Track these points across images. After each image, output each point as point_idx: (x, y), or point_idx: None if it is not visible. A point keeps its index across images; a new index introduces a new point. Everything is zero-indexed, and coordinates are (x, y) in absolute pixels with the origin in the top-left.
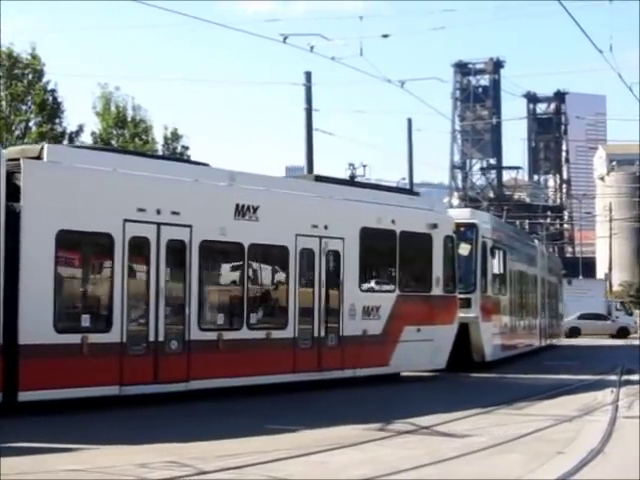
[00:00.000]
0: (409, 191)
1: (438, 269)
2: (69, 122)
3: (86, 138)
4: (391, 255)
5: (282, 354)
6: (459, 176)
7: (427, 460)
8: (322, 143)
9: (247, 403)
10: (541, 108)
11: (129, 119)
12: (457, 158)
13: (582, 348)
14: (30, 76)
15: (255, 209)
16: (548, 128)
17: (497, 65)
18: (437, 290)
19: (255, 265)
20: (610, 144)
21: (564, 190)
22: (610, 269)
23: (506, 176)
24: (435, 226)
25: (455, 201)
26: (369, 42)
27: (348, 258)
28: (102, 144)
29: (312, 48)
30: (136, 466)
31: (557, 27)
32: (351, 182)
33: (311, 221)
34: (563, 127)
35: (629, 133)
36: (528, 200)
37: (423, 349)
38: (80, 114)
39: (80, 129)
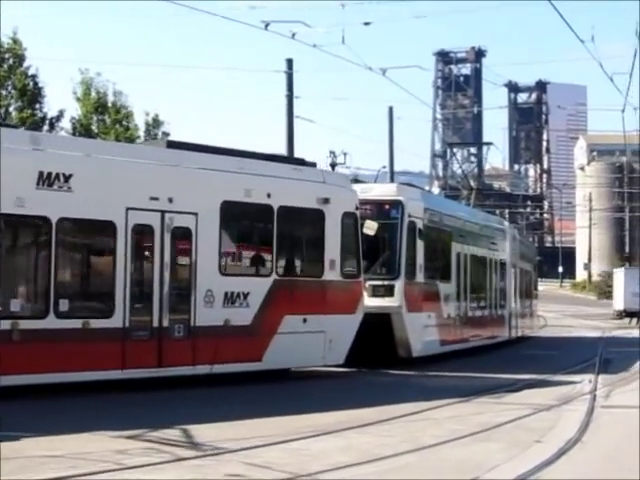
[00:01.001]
0: (296, 160)
1: (333, 250)
2: (50, 107)
3: (67, 124)
4: (266, 234)
5: (106, 347)
6: (440, 165)
7: (408, 447)
8: (303, 130)
9: (225, 390)
10: (522, 98)
11: (110, 105)
12: (438, 147)
13: (560, 340)
14: (11, 61)
15: (67, 178)
16: (529, 118)
17: (479, 54)
18: (332, 274)
19: (67, 243)
20: (591, 134)
21: (544, 180)
22: (589, 259)
23: (486, 166)
24: (327, 201)
25: (435, 190)
26: (351, 30)
27: (204, 236)
28: (82, 130)
29: (294, 35)
30: (114, 452)
31: (539, 17)
32: (213, 149)
33: (149, 193)
34: (544, 117)
35: (610, 123)
36: (508, 189)
37: (311, 342)
38: (61, 99)
39: (61, 114)
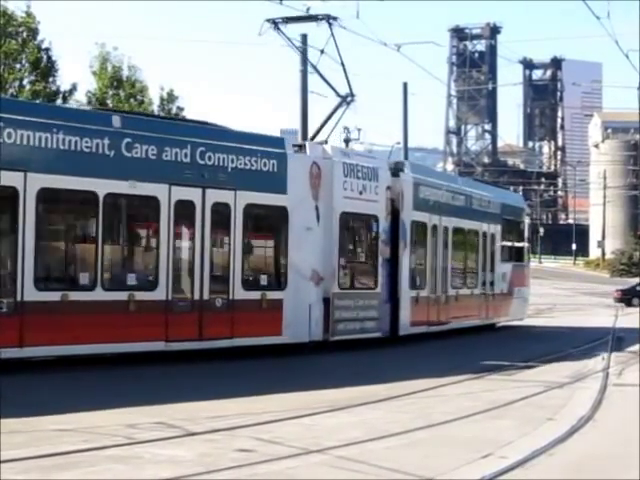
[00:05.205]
0: None
1: None
2: (62, 81)
3: (81, 97)
4: None
5: None
6: (454, 141)
7: (420, 424)
8: (318, 106)
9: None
10: (537, 74)
11: (124, 79)
12: (452, 123)
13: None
14: (24, 34)
15: None
16: (544, 94)
17: (494, 30)
18: None
19: None
20: (605, 111)
21: (559, 157)
22: (603, 237)
23: (500, 142)
24: None
25: (449, 166)
26: (366, 4)
27: None
28: (97, 103)
29: (308, 10)
30: (125, 426)
31: None
32: None
33: None
34: (559, 94)
35: (625, 101)
36: (522, 166)
37: None
38: (76, 73)
39: (74, 88)
